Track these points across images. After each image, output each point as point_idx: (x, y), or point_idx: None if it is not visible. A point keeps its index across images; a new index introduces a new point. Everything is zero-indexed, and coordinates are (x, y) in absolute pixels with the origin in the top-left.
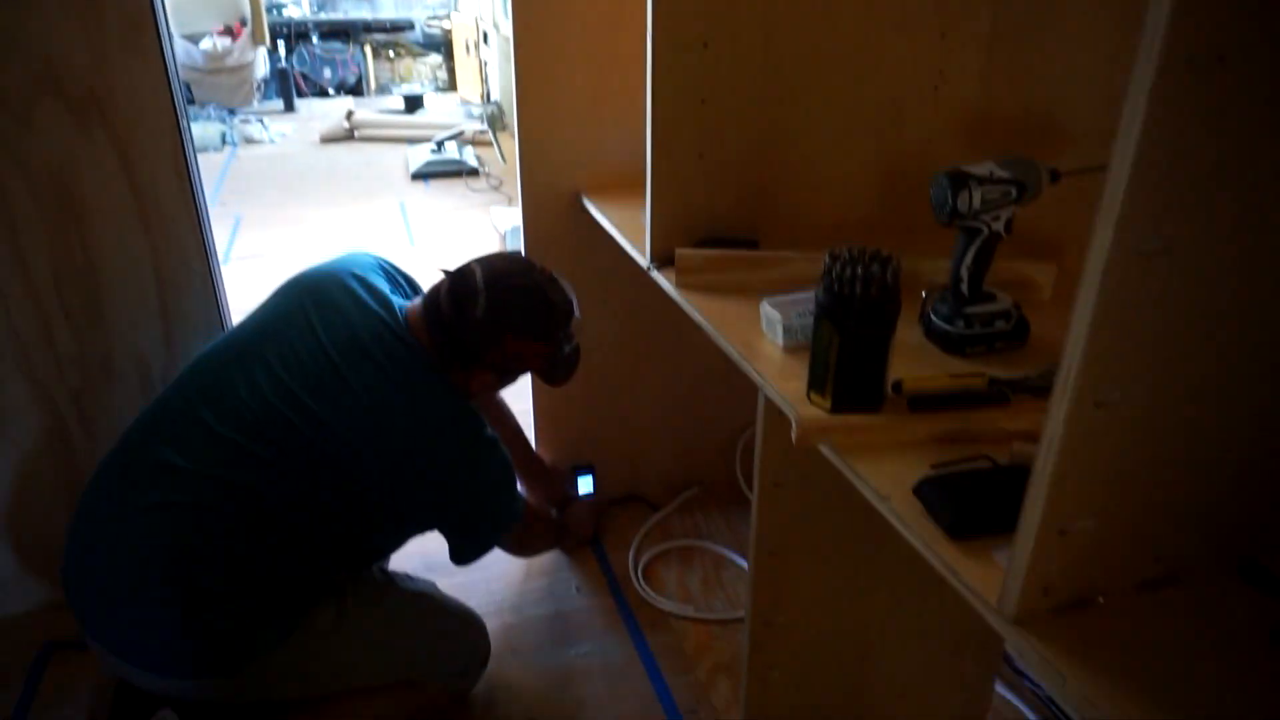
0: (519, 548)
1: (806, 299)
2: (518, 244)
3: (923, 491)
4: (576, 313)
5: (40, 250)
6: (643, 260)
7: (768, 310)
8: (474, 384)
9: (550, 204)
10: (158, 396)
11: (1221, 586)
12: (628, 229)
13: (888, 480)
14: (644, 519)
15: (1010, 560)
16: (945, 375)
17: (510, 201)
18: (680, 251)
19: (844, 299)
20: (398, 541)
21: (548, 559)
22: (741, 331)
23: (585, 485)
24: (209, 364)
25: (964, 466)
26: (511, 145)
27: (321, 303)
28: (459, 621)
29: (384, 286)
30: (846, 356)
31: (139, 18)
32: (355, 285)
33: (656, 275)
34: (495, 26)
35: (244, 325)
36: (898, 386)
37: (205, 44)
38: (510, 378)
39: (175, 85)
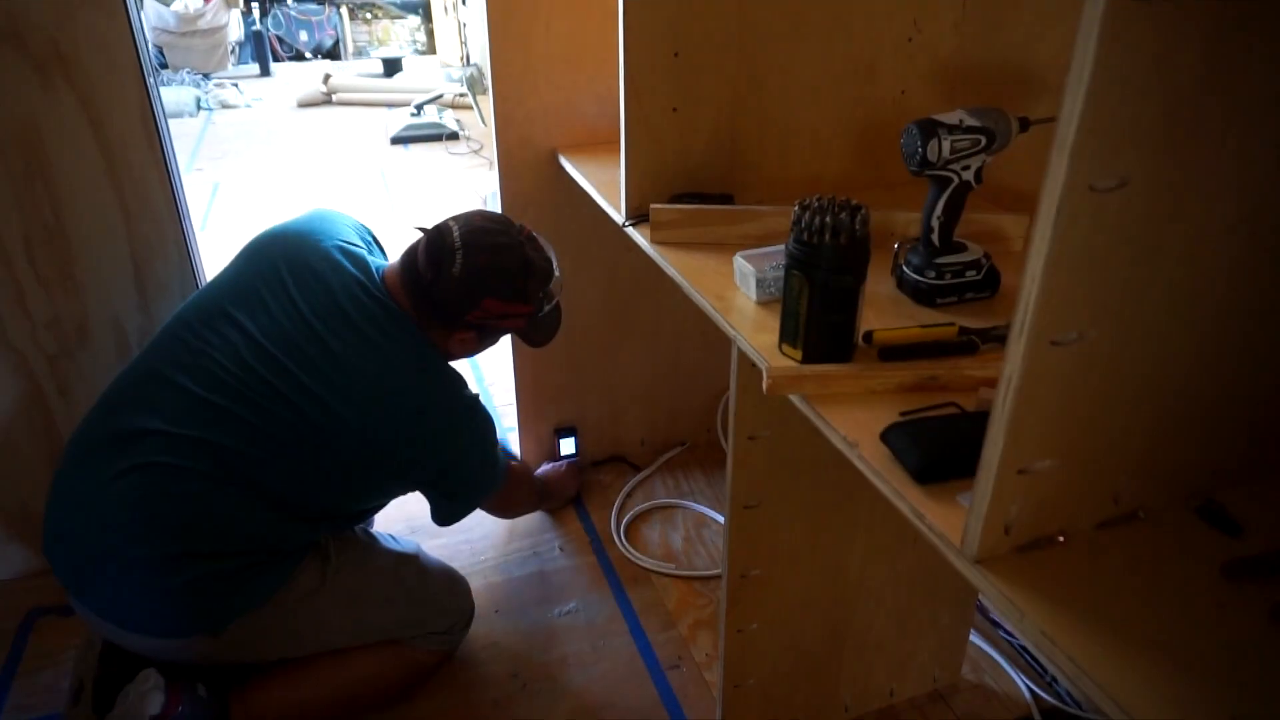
0: (502, 509)
1: (780, 253)
2: (497, 207)
3: (890, 438)
4: (556, 271)
5: (9, 211)
6: (619, 216)
7: (741, 264)
8: (454, 345)
9: (526, 162)
10: (132, 361)
11: (1178, 526)
12: (605, 187)
13: (856, 428)
14: (626, 479)
15: (972, 502)
16: (916, 326)
17: (492, 166)
18: (655, 207)
19: (813, 248)
20: (381, 502)
21: (531, 520)
22: (715, 285)
23: (567, 446)
24: (183, 327)
25: (932, 414)
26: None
27: (296, 264)
28: (443, 582)
29: (359, 248)
30: (816, 306)
31: None
32: (330, 247)
33: (632, 231)
34: None
35: (216, 285)
36: (868, 337)
37: (177, 5)
38: (491, 338)
39: (141, 42)
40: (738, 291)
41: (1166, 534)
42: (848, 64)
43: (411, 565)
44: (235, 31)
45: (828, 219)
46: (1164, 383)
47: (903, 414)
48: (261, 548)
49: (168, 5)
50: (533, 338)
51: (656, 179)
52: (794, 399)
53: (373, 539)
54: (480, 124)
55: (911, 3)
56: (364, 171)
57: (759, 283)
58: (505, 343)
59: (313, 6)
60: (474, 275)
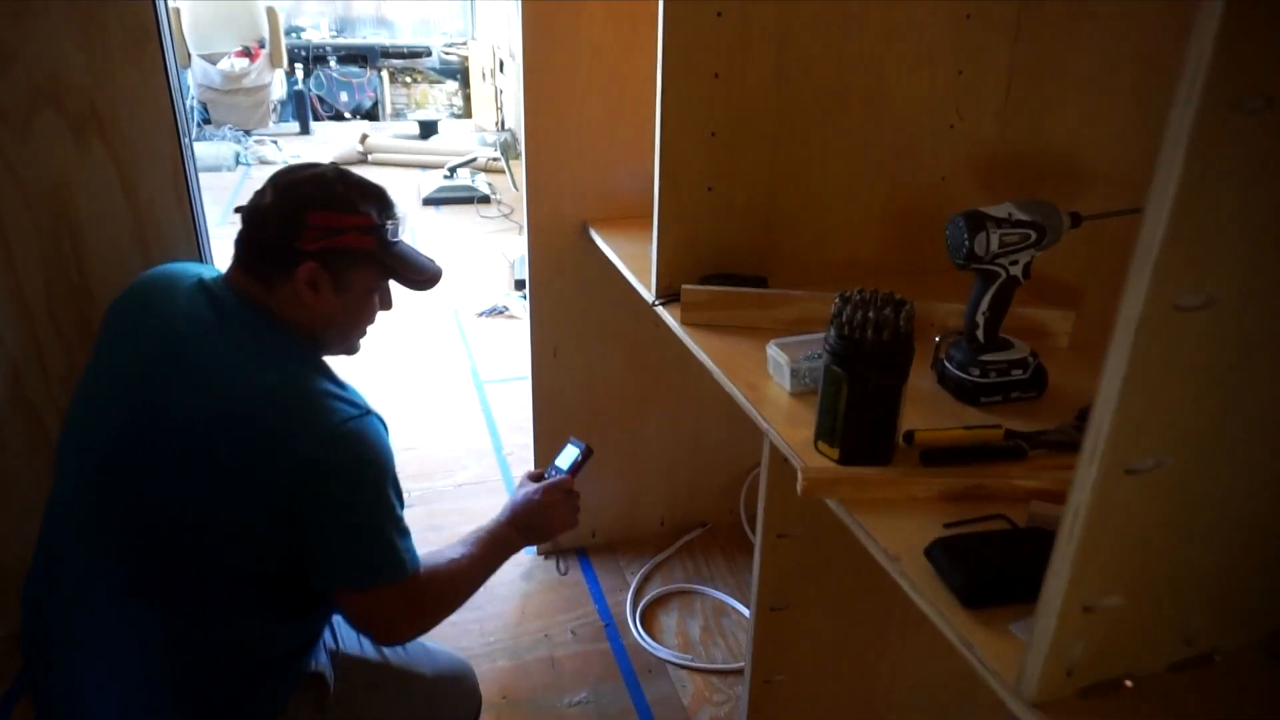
0: (436, 605)
1: (815, 341)
2: (524, 273)
3: (935, 554)
4: (391, 202)
5: (34, 264)
6: (648, 295)
7: (775, 353)
8: (308, 297)
9: (556, 233)
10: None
11: (1257, 670)
12: (634, 263)
13: (898, 539)
14: (644, 560)
15: (1031, 638)
16: (959, 427)
17: (521, 230)
18: (686, 288)
19: (855, 344)
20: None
21: (543, 600)
22: (747, 373)
23: (566, 458)
24: (78, 458)
25: (979, 527)
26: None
27: (143, 338)
28: (451, 684)
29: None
30: (856, 405)
31: (143, 33)
32: (166, 284)
33: (661, 311)
34: (511, 55)
35: (92, 393)
36: (909, 437)
37: (223, 64)
38: (343, 275)
39: (178, 103)
40: (770, 381)
41: (1244, 679)
42: (887, 148)
43: (417, 681)
44: (278, 90)
45: (870, 314)
46: (1243, 514)
47: (947, 525)
48: (234, 677)
49: (215, 64)
50: (403, 271)
51: (688, 258)
52: (830, 502)
53: (376, 650)
54: (512, 188)
55: (953, 88)
56: None
57: (793, 374)
58: (521, 414)
59: (354, 69)
60: (287, 193)
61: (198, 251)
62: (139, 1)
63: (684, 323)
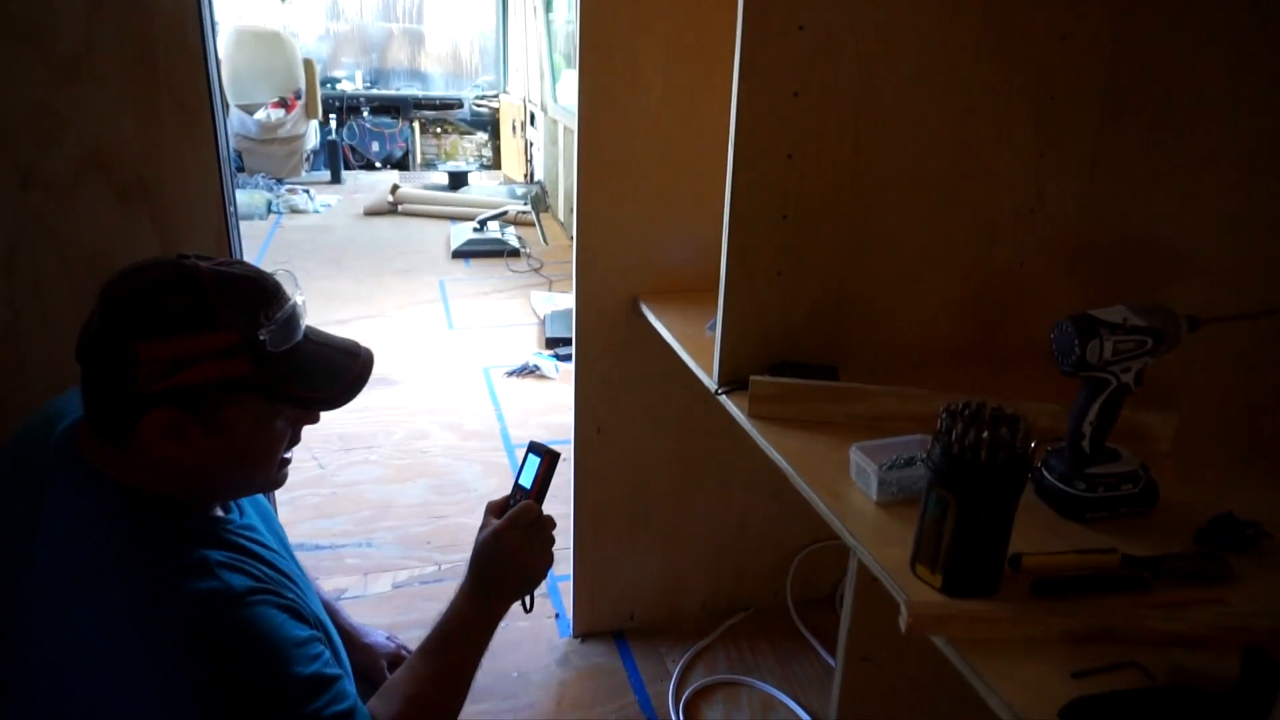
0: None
1: (900, 445)
2: (557, 329)
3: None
4: (270, 291)
5: (72, 335)
6: (710, 383)
7: (859, 458)
8: (171, 447)
9: (605, 307)
10: None
11: None
12: (690, 343)
13: (1024, 694)
14: (686, 647)
15: None
16: (1070, 551)
17: (550, 285)
18: (756, 380)
19: (965, 465)
20: None
21: (581, 689)
22: (826, 476)
23: (527, 474)
24: None
25: (1112, 679)
26: (553, 226)
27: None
28: None
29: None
30: (965, 530)
31: (194, 104)
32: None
33: (726, 401)
34: (543, 108)
35: None
36: (1015, 561)
37: (259, 115)
38: (214, 415)
39: (226, 175)
40: (852, 486)
41: None
42: (963, 231)
43: None
44: (311, 140)
45: (984, 433)
46: None
47: (1075, 675)
48: None
49: (251, 114)
50: (298, 389)
51: (755, 345)
52: (937, 640)
53: None
54: (542, 242)
55: (1033, 170)
56: (424, 284)
57: (881, 484)
58: (554, 483)
59: (387, 120)
60: (110, 318)
61: None
62: (193, 73)
63: (751, 415)
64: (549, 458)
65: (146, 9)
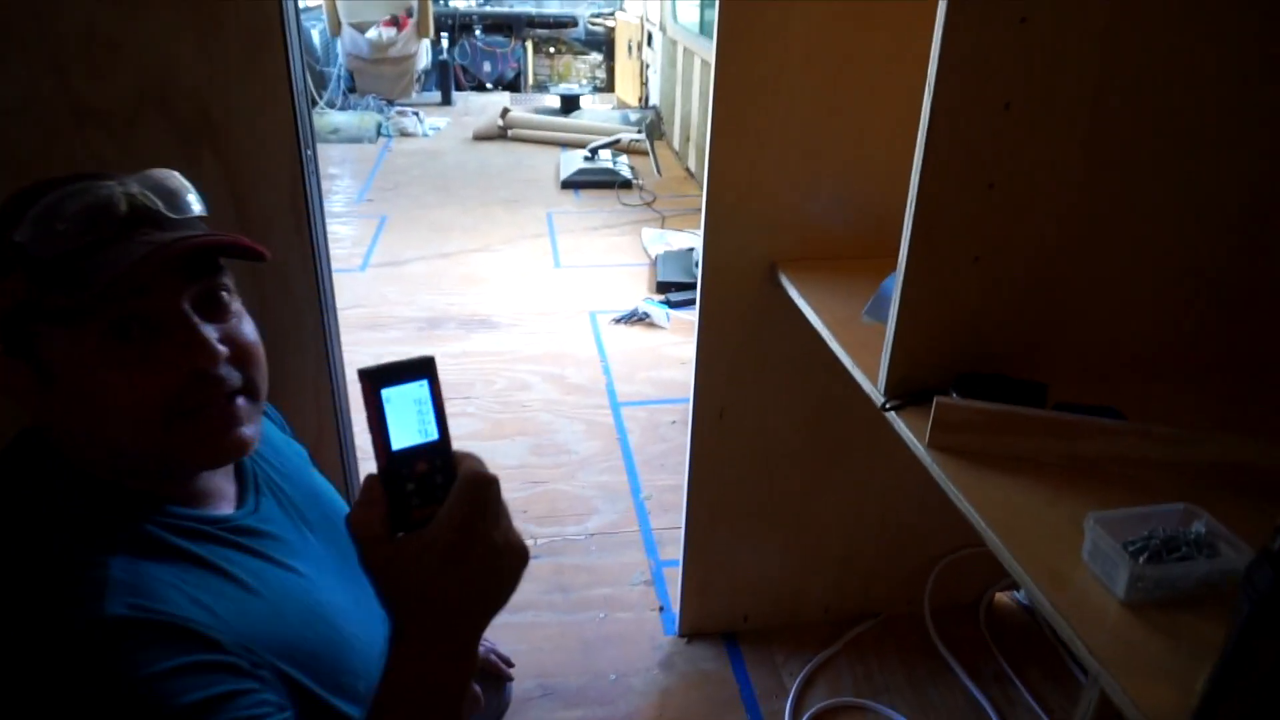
0: None
1: (1154, 519)
2: (670, 273)
3: None
4: (73, 181)
5: None
6: (875, 393)
7: (1099, 536)
8: (22, 404)
9: (737, 276)
10: None
11: None
12: (846, 335)
13: None
14: (806, 658)
15: None
16: None
17: (663, 222)
18: (943, 403)
19: None
20: None
21: (686, 700)
22: (1042, 549)
23: (407, 418)
24: None
25: None
26: (668, 156)
27: None
28: None
29: None
30: None
31: (264, 35)
32: None
33: (896, 421)
34: (661, 28)
35: None
36: None
37: (371, 34)
38: (35, 358)
39: (302, 113)
40: (1081, 567)
41: None
42: (1221, 209)
43: None
44: (422, 60)
45: None
46: None
47: None
48: None
49: (363, 33)
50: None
51: (937, 348)
52: None
53: None
54: (655, 173)
55: None
56: (531, 217)
57: (1134, 580)
58: (661, 448)
59: (499, 39)
60: None
61: (316, 283)
62: (264, 0)
63: (932, 446)
64: (430, 376)
65: None
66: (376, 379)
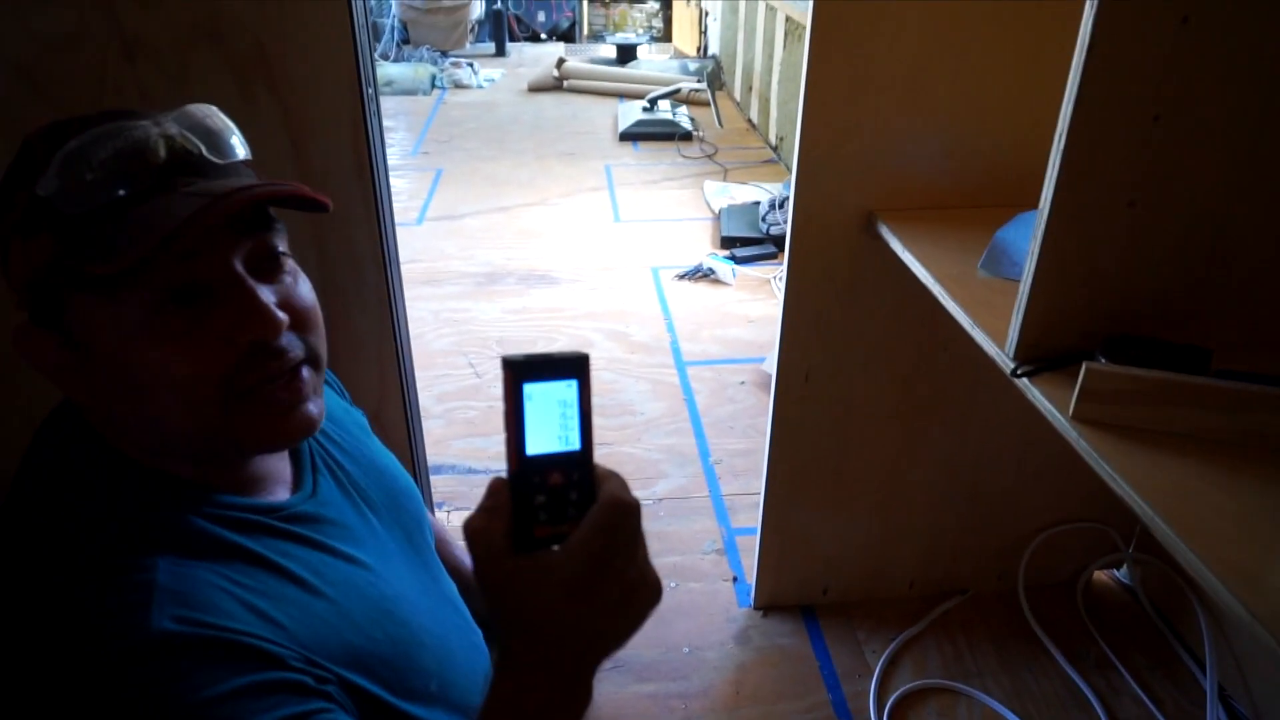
0: None
1: None
2: (733, 227)
3: None
4: (99, 120)
5: None
6: (1003, 358)
7: None
8: (56, 381)
9: (829, 227)
10: None
11: None
12: (960, 291)
13: None
14: (891, 635)
15: None
16: None
17: (725, 175)
18: (1093, 369)
19: None
20: None
21: (761, 681)
22: (1224, 541)
23: (550, 422)
24: None
25: None
26: (729, 107)
27: None
28: None
29: None
30: None
31: None
32: None
33: (1030, 389)
34: None
35: None
36: None
37: None
38: (65, 326)
39: (363, 52)
40: (1278, 566)
41: None
42: None
43: None
44: (476, 10)
45: None
46: None
47: None
48: None
49: None
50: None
51: (1080, 308)
52: None
53: None
54: (716, 124)
55: None
56: (589, 170)
57: None
58: (729, 410)
59: None
60: None
61: (379, 236)
62: None
63: (1077, 418)
64: (581, 376)
65: None
66: (521, 371)
